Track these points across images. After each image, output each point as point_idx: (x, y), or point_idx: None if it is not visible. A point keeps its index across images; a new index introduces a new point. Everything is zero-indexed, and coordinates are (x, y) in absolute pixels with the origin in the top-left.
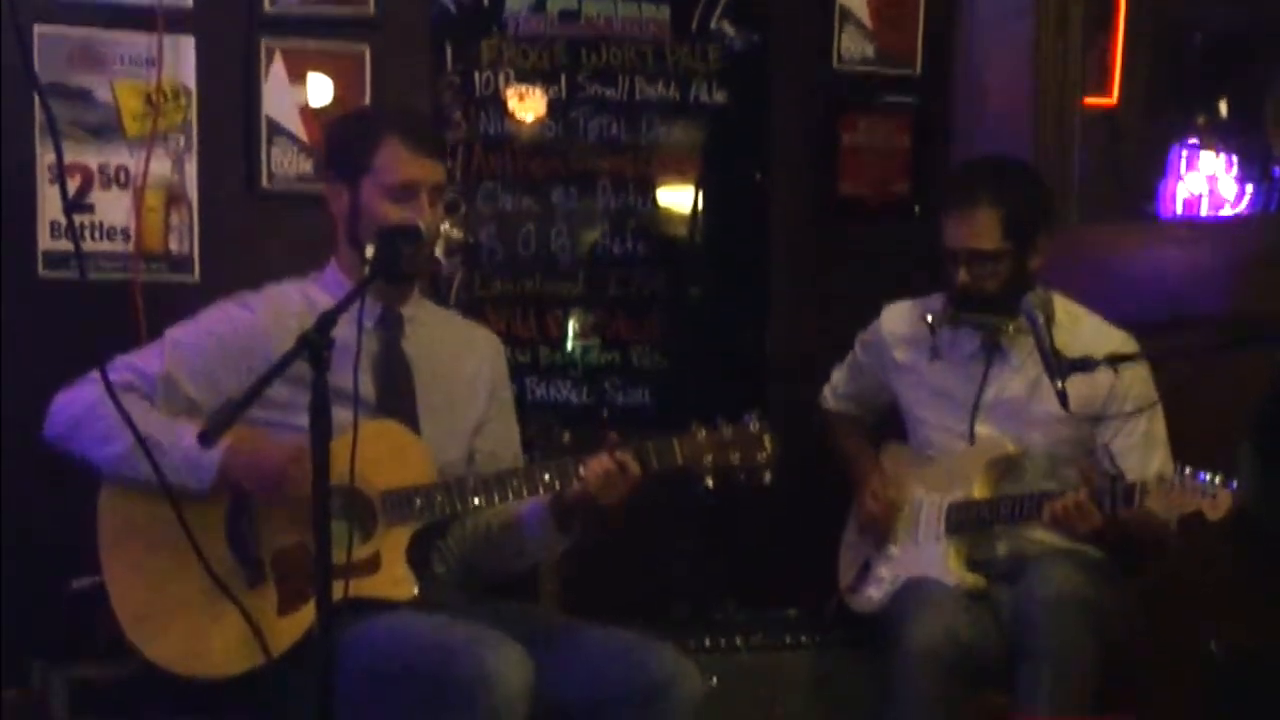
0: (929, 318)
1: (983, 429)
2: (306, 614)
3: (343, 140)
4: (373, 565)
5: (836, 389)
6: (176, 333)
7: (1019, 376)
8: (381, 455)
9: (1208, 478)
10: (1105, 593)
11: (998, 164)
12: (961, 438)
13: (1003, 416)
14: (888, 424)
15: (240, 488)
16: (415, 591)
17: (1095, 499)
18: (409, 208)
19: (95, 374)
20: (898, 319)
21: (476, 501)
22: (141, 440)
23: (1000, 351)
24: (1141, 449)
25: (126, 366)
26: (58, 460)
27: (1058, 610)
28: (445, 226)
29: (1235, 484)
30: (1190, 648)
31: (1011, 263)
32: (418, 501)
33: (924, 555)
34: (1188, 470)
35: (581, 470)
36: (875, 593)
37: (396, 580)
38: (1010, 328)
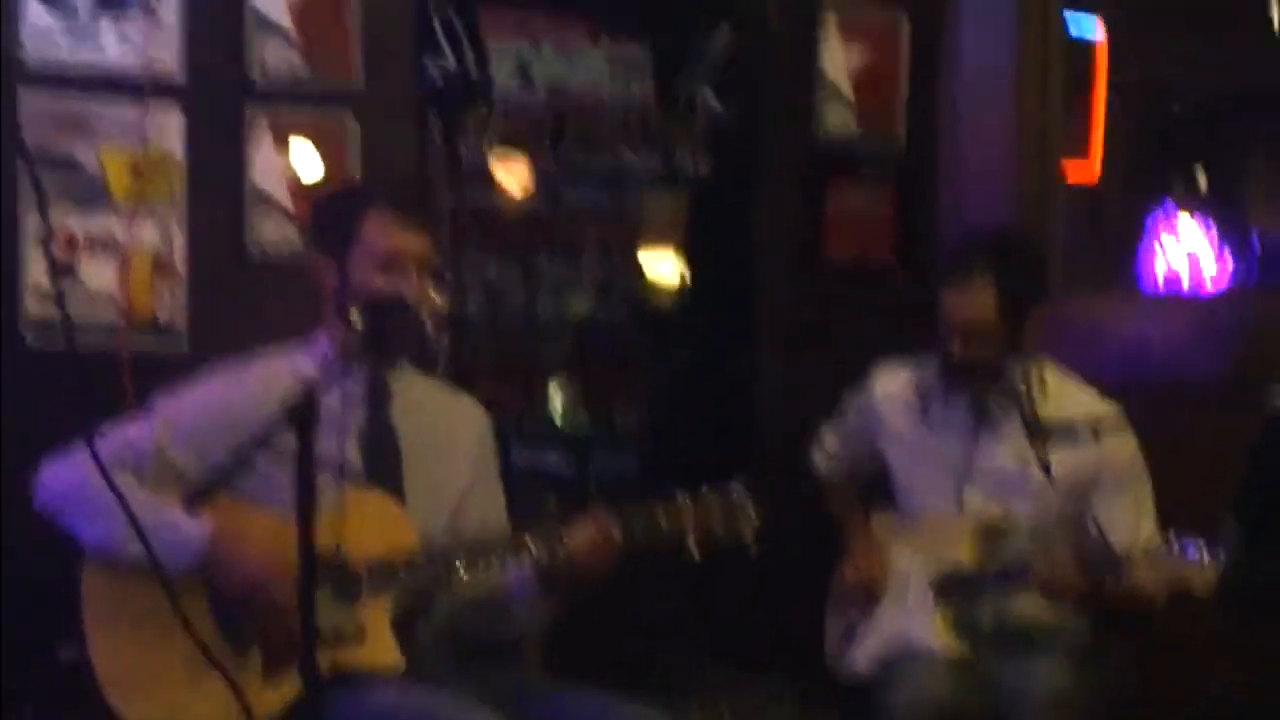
0: (918, 386)
1: (971, 497)
2: (291, 684)
3: (329, 213)
4: (358, 636)
5: (826, 449)
6: (167, 403)
7: (1008, 445)
8: (366, 525)
9: (1194, 550)
10: (1095, 683)
11: (998, 238)
12: (949, 504)
13: (991, 485)
14: (879, 486)
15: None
16: (400, 662)
17: (1083, 567)
18: (396, 279)
19: (84, 446)
20: (890, 382)
21: (461, 571)
22: (135, 522)
23: (989, 420)
24: (1131, 520)
25: (116, 438)
26: (49, 529)
27: (1049, 707)
28: (431, 294)
29: (1220, 554)
30: (1182, 700)
31: (1006, 335)
32: (402, 572)
33: (911, 623)
34: (1175, 542)
35: (565, 539)
36: (861, 659)
37: (380, 651)
38: (995, 394)
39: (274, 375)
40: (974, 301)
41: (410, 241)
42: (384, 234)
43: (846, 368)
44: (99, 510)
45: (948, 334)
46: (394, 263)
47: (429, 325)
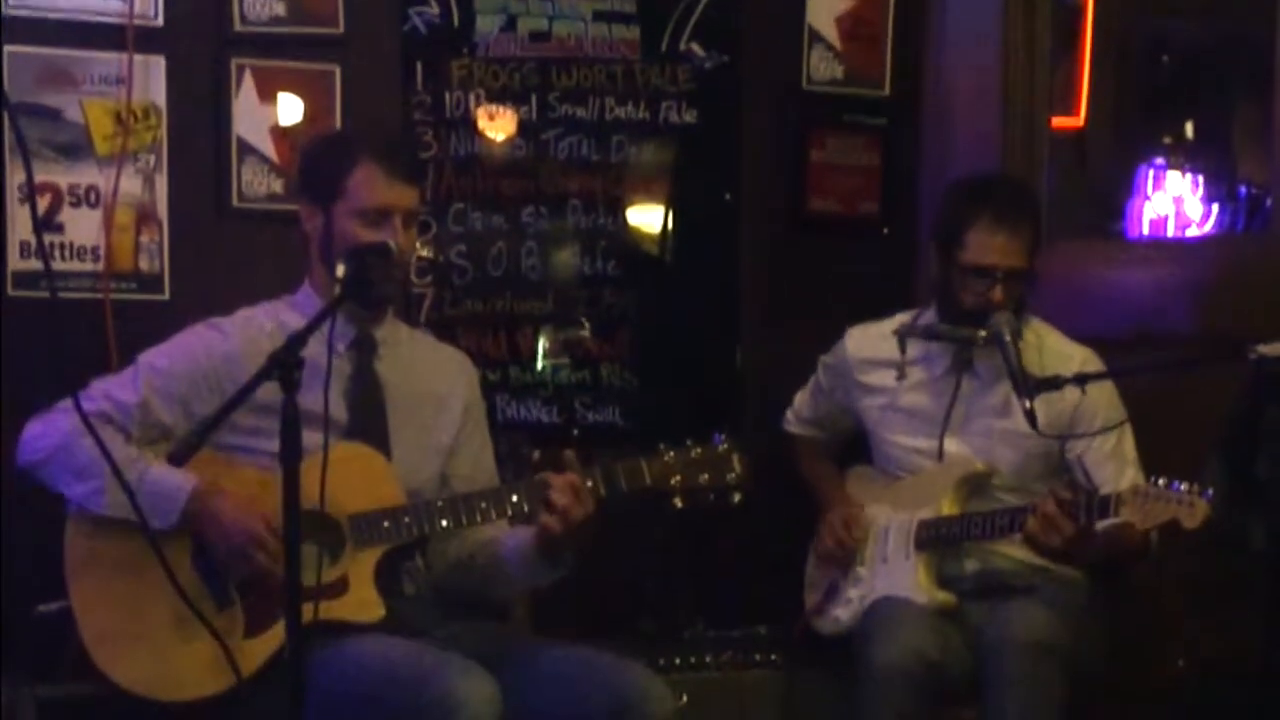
0: (898, 335)
1: (952, 446)
2: (274, 637)
3: (317, 162)
4: (340, 588)
5: (799, 413)
6: (150, 358)
7: (989, 394)
8: (350, 478)
9: (1182, 487)
10: (1078, 635)
11: (1018, 184)
12: (930, 456)
13: (972, 434)
14: (852, 447)
15: (200, 537)
16: (383, 614)
17: (1068, 511)
18: (381, 231)
19: (69, 403)
20: (863, 341)
21: (444, 524)
22: (120, 477)
23: (971, 369)
24: (1114, 464)
25: (101, 394)
26: (26, 483)
27: (1028, 657)
28: (416, 246)
29: (1210, 492)
30: (1159, 667)
31: (1031, 279)
32: (385, 524)
33: (893, 574)
34: (1161, 481)
35: (551, 491)
36: (843, 614)
37: (364, 603)
38: (981, 340)
39: (258, 328)
40: (1018, 243)
41: (397, 196)
42: (371, 188)
43: (831, 319)
44: (83, 466)
45: (981, 278)
46: (380, 217)
47: (412, 275)
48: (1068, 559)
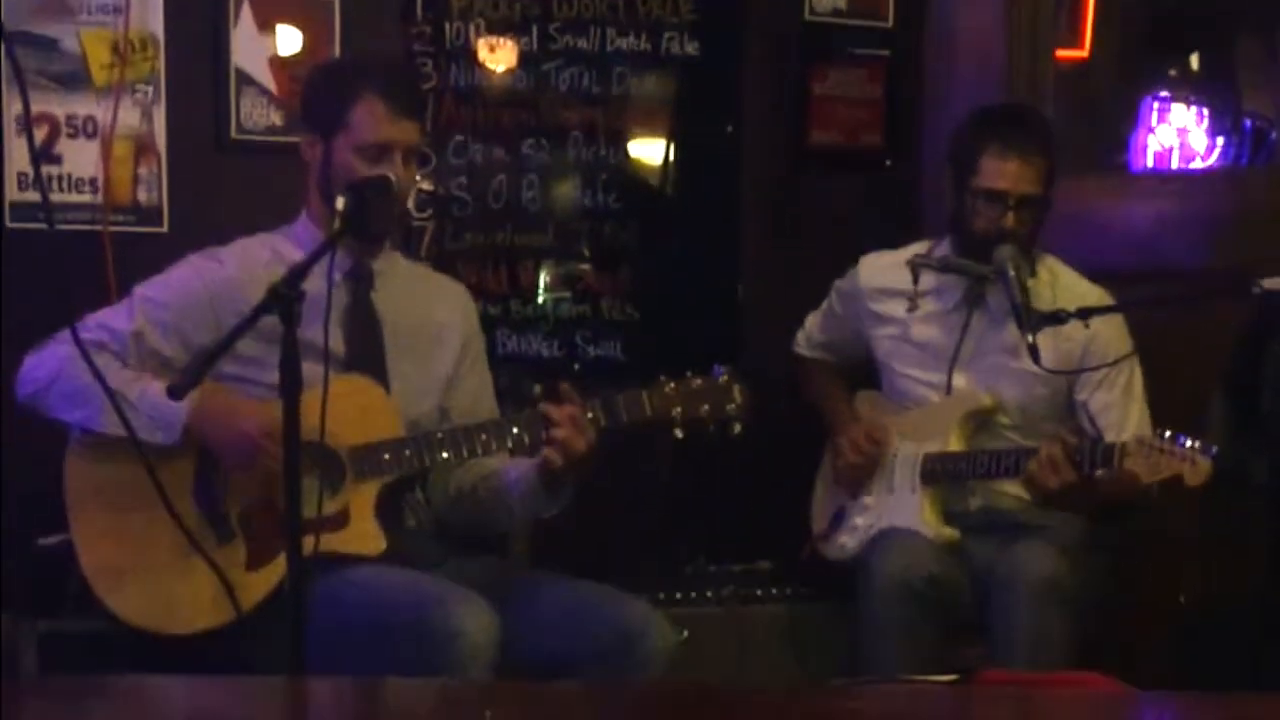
0: (911, 266)
1: (960, 381)
2: (275, 569)
3: (319, 93)
4: (341, 520)
5: (811, 336)
6: (146, 289)
7: (999, 331)
8: (350, 411)
9: (1188, 442)
10: (1082, 573)
11: (1035, 113)
12: (938, 389)
13: (981, 370)
14: (861, 373)
15: (205, 447)
16: (383, 547)
17: (1072, 459)
18: (381, 165)
19: (65, 333)
20: (876, 270)
21: (445, 455)
22: (113, 397)
23: (982, 304)
24: (1120, 404)
25: (97, 325)
26: (24, 415)
27: (1035, 596)
28: (416, 179)
29: (1214, 450)
30: (1160, 604)
31: (1045, 209)
32: (386, 456)
33: (899, 505)
34: (1168, 434)
35: (551, 423)
36: (849, 540)
37: (365, 535)
38: (991, 274)
39: (256, 259)
40: (1033, 171)
41: (399, 131)
42: (373, 122)
43: (833, 252)
44: (80, 391)
45: (993, 203)
46: (380, 152)
47: (412, 206)
48: (1066, 505)
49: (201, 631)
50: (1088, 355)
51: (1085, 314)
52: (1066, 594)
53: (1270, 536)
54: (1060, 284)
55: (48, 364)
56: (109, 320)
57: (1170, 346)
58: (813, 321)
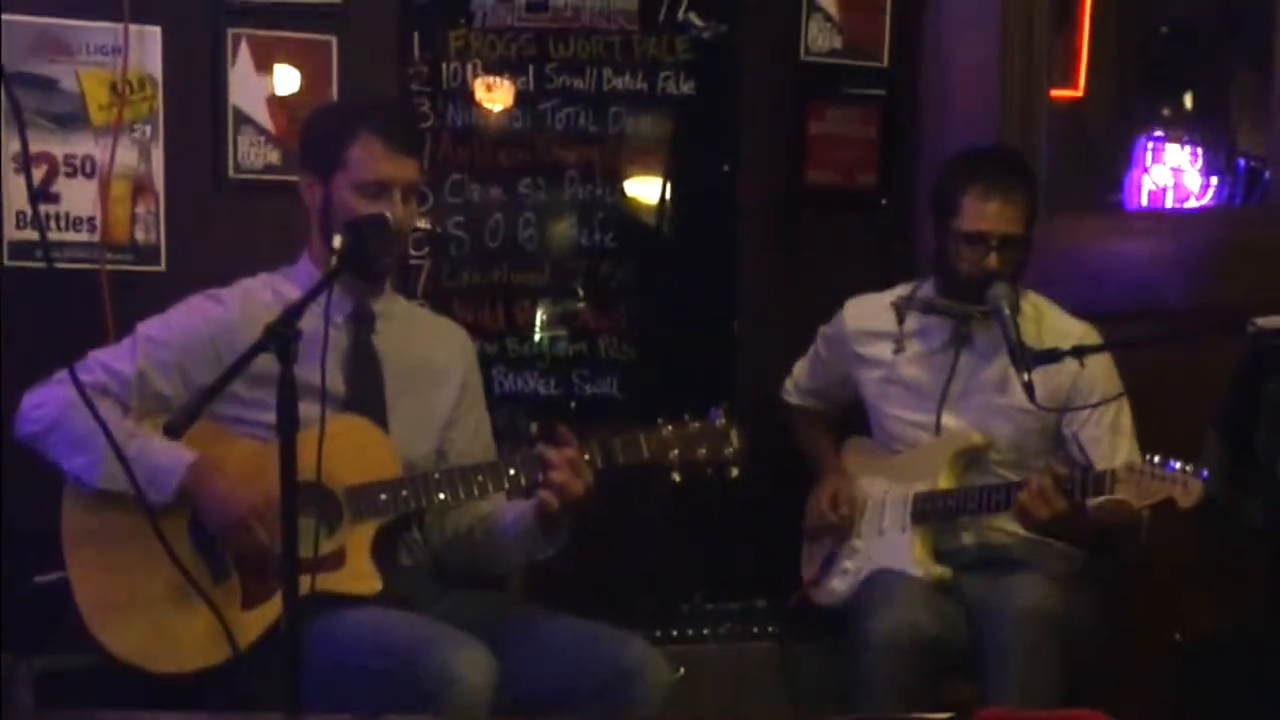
0: (895, 307)
1: (949, 420)
2: (271, 608)
3: (318, 133)
4: (337, 561)
5: (799, 383)
6: (148, 329)
7: (986, 368)
8: (348, 450)
9: (1178, 466)
10: (1075, 606)
11: (1014, 153)
12: (927, 430)
13: (970, 408)
14: (852, 418)
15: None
16: (379, 587)
17: (1063, 487)
18: (380, 204)
19: (66, 374)
20: (861, 312)
21: (442, 496)
22: (118, 451)
23: (969, 343)
24: (1109, 439)
25: (98, 365)
26: (22, 454)
27: (1027, 628)
28: (415, 218)
29: (1205, 473)
30: (1156, 640)
31: (1027, 249)
32: (383, 497)
33: (889, 546)
34: (1157, 459)
35: (548, 465)
36: (840, 585)
37: (361, 576)
38: (979, 314)
39: (257, 300)
40: (1014, 211)
41: (397, 169)
42: (371, 160)
43: (829, 291)
44: (81, 438)
45: (975, 245)
46: (379, 190)
47: (409, 247)
48: (1058, 534)
49: (197, 670)
50: (1076, 390)
51: (1080, 352)
52: (1059, 624)
53: (1266, 574)
54: (1045, 321)
55: (48, 407)
56: (111, 361)
57: (1164, 385)
58: (800, 368)
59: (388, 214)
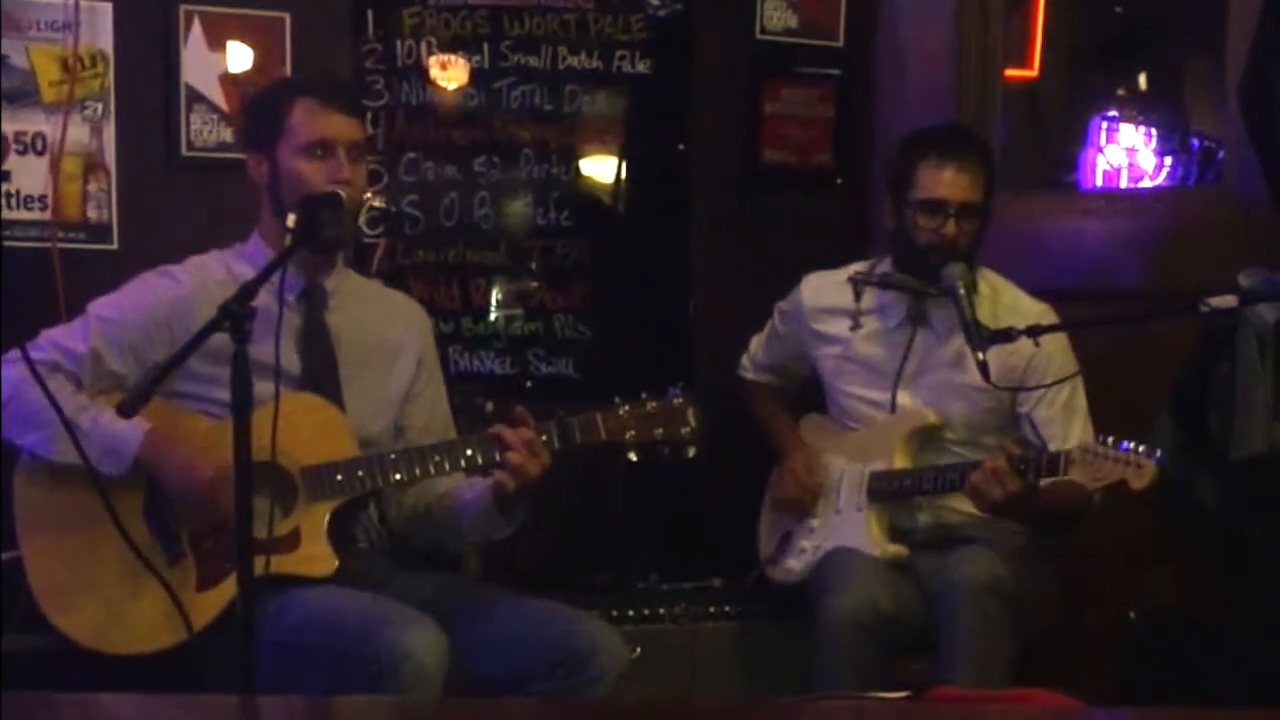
0: (853, 284)
1: (904, 399)
2: (225, 590)
3: (257, 109)
4: (292, 541)
5: (755, 359)
6: (100, 309)
7: (942, 347)
8: (303, 430)
9: (1131, 447)
10: (1026, 579)
11: (968, 129)
12: (882, 408)
13: (925, 387)
14: (808, 394)
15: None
16: (334, 568)
17: (1017, 468)
18: (326, 165)
19: (16, 354)
20: (818, 289)
21: (398, 477)
22: (69, 426)
23: (925, 321)
24: (1063, 418)
25: (51, 344)
26: None
27: (978, 599)
28: (368, 196)
29: (1159, 454)
30: (1110, 617)
31: (984, 221)
32: (339, 477)
33: (845, 525)
34: (1110, 440)
35: (503, 443)
36: (796, 564)
37: (315, 557)
38: (934, 293)
39: (210, 276)
40: (969, 178)
41: (337, 125)
42: (310, 119)
43: (784, 270)
44: (33, 415)
45: (933, 213)
46: (321, 146)
47: (363, 222)
48: (1009, 514)
49: (152, 651)
50: (1031, 369)
51: (1035, 332)
52: (1008, 595)
53: (1218, 552)
54: (1001, 300)
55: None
56: (63, 340)
57: (1117, 365)
58: (756, 344)
59: (340, 192)
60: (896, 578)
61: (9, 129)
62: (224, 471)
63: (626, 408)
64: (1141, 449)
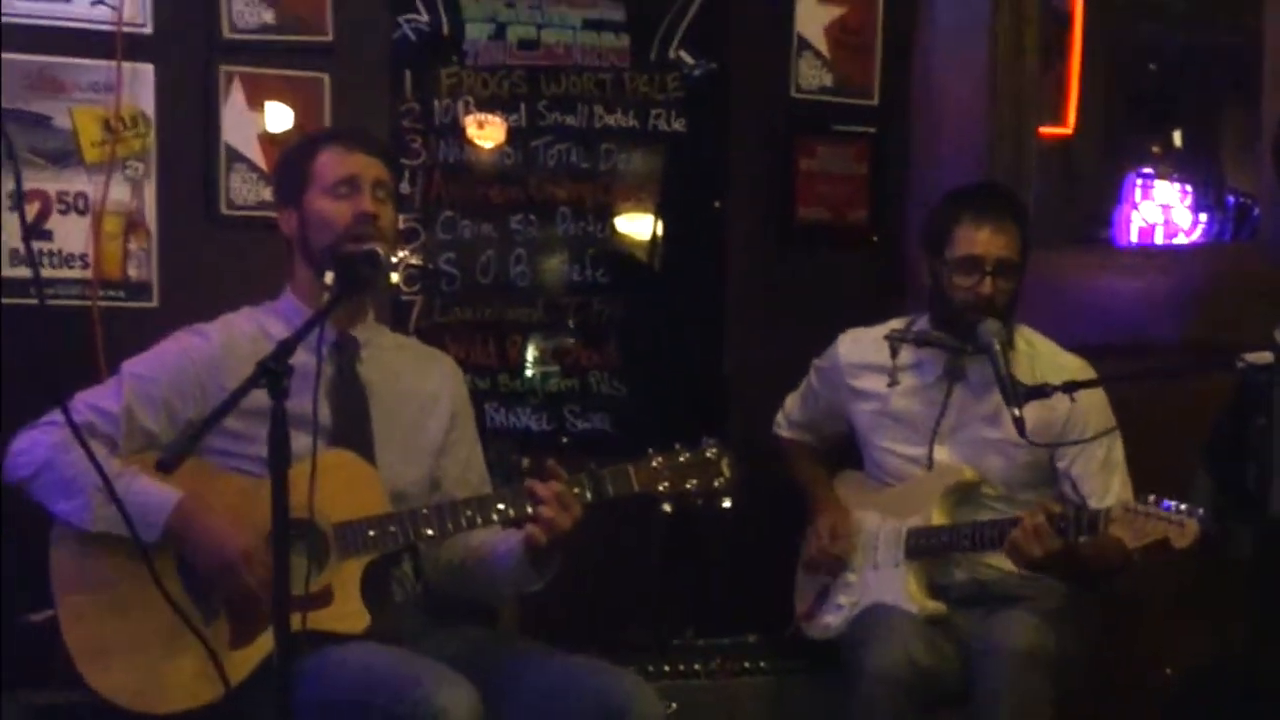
0: (889, 341)
1: (941, 454)
2: (259, 647)
3: (286, 164)
4: (326, 598)
5: (791, 416)
6: (133, 366)
7: (979, 403)
8: (336, 486)
9: (1173, 505)
10: (1067, 642)
11: (1004, 187)
12: (919, 464)
13: (962, 443)
14: (843, 452)
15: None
16: (367, 624)
17: (1057, 526)
18: (352, 201)
19: (55, 416)
20: (855, 346)
21: (430, 532)
22: (113, 494)
23: (962, 377)
24: (1101, 474)
25: (86, 406)
26: (13, 493)
27: (1020, 668)
28: (404, 253)
29: (1201, 511)
30: (1147, 674)
31: (1020, 278)
32: (371, 534)
33: (883, 581)
34: (1152, 498)
35: (538, 498)
36: (833, 619)
37: (349, 614)
38: (971, 350)
39: (241, 333)
40: (1005, 237)
41: (361, 163)
42: (335, 161)
43: (819, 326)
44: (69, 481)
45: (971, 272)
46: (347, 184)
47: (400, 280)
48: (1050, 572)
49: (186, 710)
50: (1069, 425)
51: (1070, 388)
52: (1049, 660)
53: (1254, 605)
54: (1039, 355)
55: (35, 451)
56: (97, 400)
57: (1154, 420)
58: (792, 401)
59: (378, 249)
60: (934, 634)
61: (52, 189)
62: (254, 542)
63: (659, 459)
64: (1184, 507)
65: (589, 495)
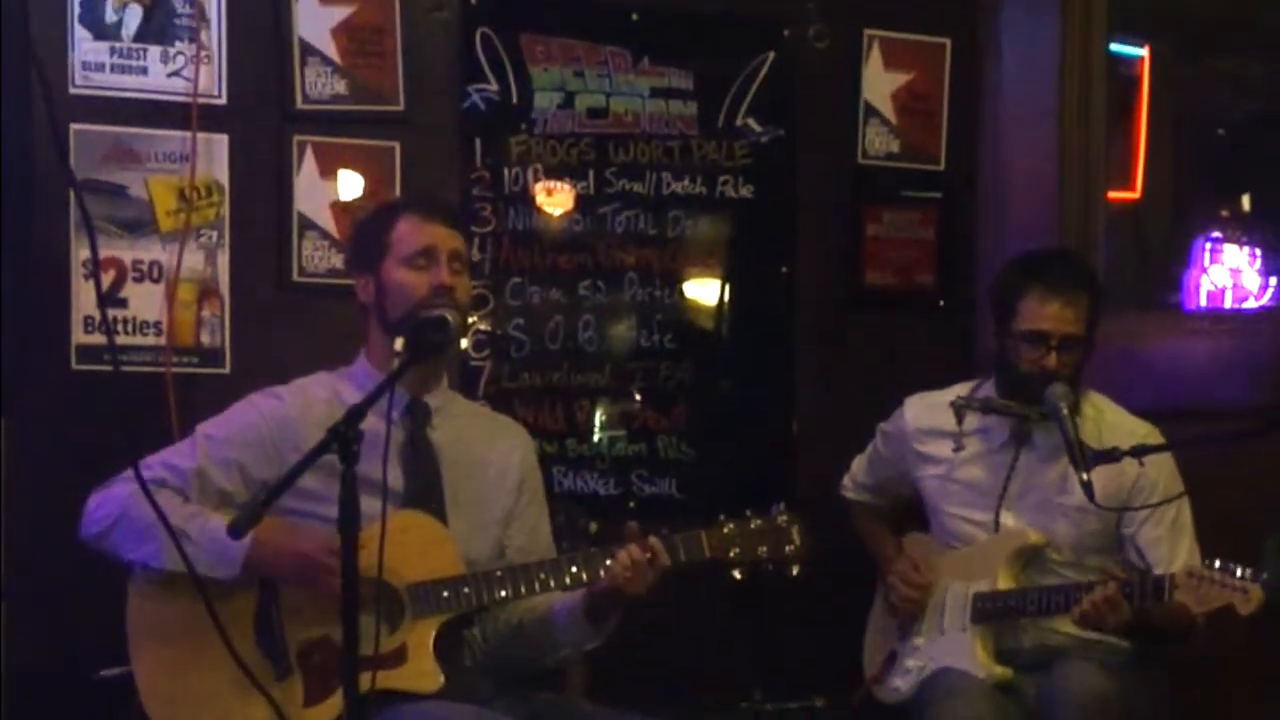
0: (955, 407)
1: (1008, 519)
2: (332, 706)
3: (360, 233)
4: (399, 657)
5: (857, 479)
6: (207, 428)
7: (1046, 468)
8: (409, 547)
9: (1237, 571)
10: (1132, 692)
11: (1075, 255)
12: (985, 528)
13: (1029, 507)
14: (908, 516)
15: (268, 576)
16: (440, 684)
17: (1124, 593)
18: (429, 273)
19: (128, 473)
20: (921, 411)
21: (503, 594)
22: (174, 534)
23: (1028, 442)
24: (1169, 540)
25: (159, 463)
26: (90, 552)
27: (1086, 709)
28: (473, 320)
29: (1265, 577)
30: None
31: (1088, 350)
32: (445, 594)
33: (951, 646)
34: (1217, 563)
35: (609, 562)
36: (902, 683)
37: (422, 673)
38: (1038, 415)
39: (314, 398)
40: (1074, 312)
41: (438, 234)
42: (413, 232)
43: (887, 391)
44: (144, 530)
45: (1036, 345)
46: (424, 255)
47: (469, 341)
48: (1114, 633)
49: None
50: (1136, 490)
51: (1139, 452)
52: (1116, 707)
53: None
54: (1105, 420)
55: (111, 504)
56: (171, 459)
57: (1224, 485)
58: (858, 465)
59: (448, 315)
60: (1002, 699)
61: (127, 257)
62: (334, 546)
63: (731, 525)
64: (1248, 572)
65: (664, 560)
